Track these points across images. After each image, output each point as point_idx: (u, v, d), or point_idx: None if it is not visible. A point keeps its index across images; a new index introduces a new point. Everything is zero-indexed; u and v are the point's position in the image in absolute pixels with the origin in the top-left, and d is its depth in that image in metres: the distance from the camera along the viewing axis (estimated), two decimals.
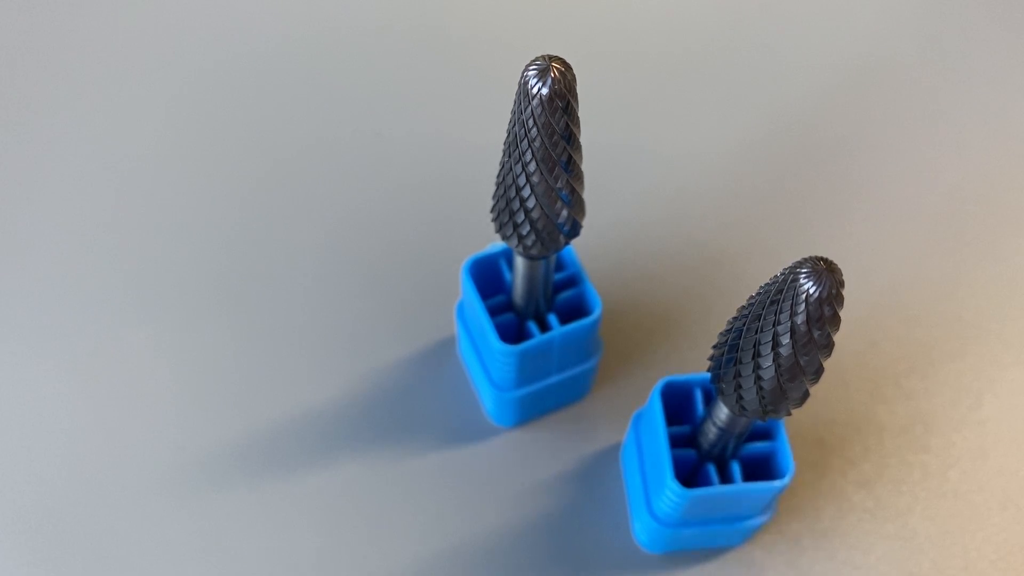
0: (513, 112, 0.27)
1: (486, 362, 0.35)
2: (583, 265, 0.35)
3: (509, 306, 0.35)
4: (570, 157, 0.27)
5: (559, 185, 0.28)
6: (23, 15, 0.45)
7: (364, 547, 0.35)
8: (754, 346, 0.26)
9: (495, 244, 0.35)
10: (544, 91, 0.25)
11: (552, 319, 0.34)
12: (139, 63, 0.44)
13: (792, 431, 0.36)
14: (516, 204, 0.28)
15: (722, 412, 0.30)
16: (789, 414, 0.28)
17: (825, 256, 0.25)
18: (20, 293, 0.39)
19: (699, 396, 0.33)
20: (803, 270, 0.24)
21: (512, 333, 0.34)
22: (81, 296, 0.39)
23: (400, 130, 0.43)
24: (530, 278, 0.32)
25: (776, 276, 0.25)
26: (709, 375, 0.29)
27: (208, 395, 0.37)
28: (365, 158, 0.42)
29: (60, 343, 0.38)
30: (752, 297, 0.26)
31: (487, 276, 0.35)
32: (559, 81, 0.25)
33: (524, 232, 0.29)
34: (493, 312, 0.34)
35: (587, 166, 0.29)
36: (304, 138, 0.43)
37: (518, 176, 0.28)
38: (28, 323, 0.38)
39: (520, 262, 0.32)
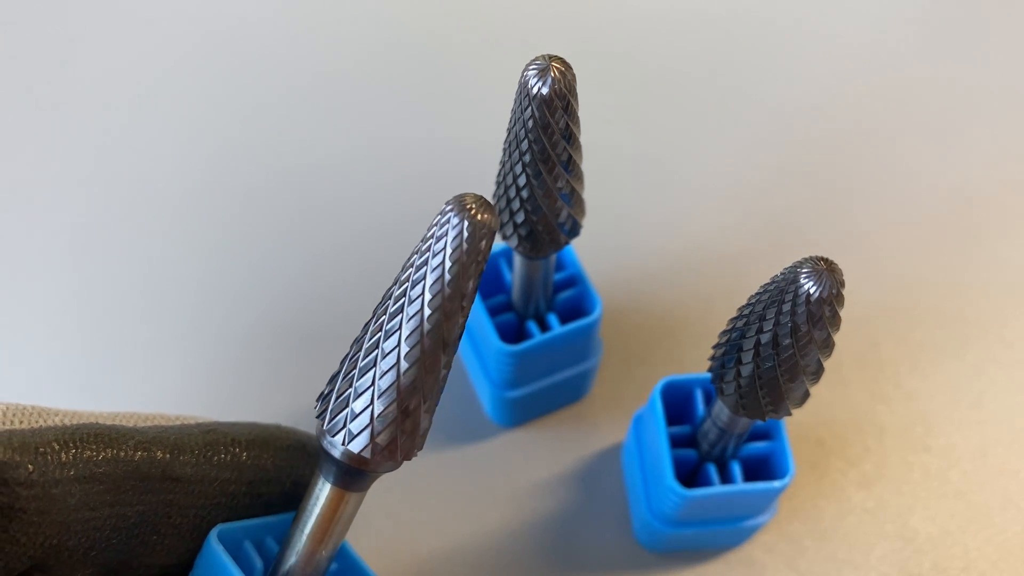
0: (513, 112, 0.27)
1: (486, 362, 0.35)
2: (583, 265, 0.35)
3: (509, 306, 0.35)
4: (570, 157, 0.27)
5: (559, 185, 0.28)
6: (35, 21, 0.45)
7: (362, 547, 0.35)
8: (755, 346, 0.26)
9: (495, 244, 0.35)
10: (544, 91, 0.25)
11: (552, 319, 0.34)
12: (129, 64, 0.44)
13: (792, 431, 0.36)
14: (516, 204, 0.28)
15: (723, 412, 0.30)
16: (790, 414, 0.28)
17: (826, 256, 0.25)
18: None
19: (699, 396, 0.33)
20: (804, 270, 0.24)
21: (512, 333, 0.34)
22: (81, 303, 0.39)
23: (400, 130, 0.43)
24: (530, 278, 0.32)
25: (777, 276, 0.25)
26: (709, 375, 0.29)
27: (207, 396, 0.37)
28: (364, 158, 0.42)
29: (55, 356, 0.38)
30: (752, 297, 0.26)
31: (487, 276, 0.35)
32: (559, 81, 0.25)
33: (524, 232, 0.29)
34: (493, 312, 0.34)
35: (587, 166, 0.29)
36: (302, 139, 0.42)
37: (518, 176, 0.28)
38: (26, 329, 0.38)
39: (520, 262, 0.32)
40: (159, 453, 0.25)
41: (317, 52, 0.45)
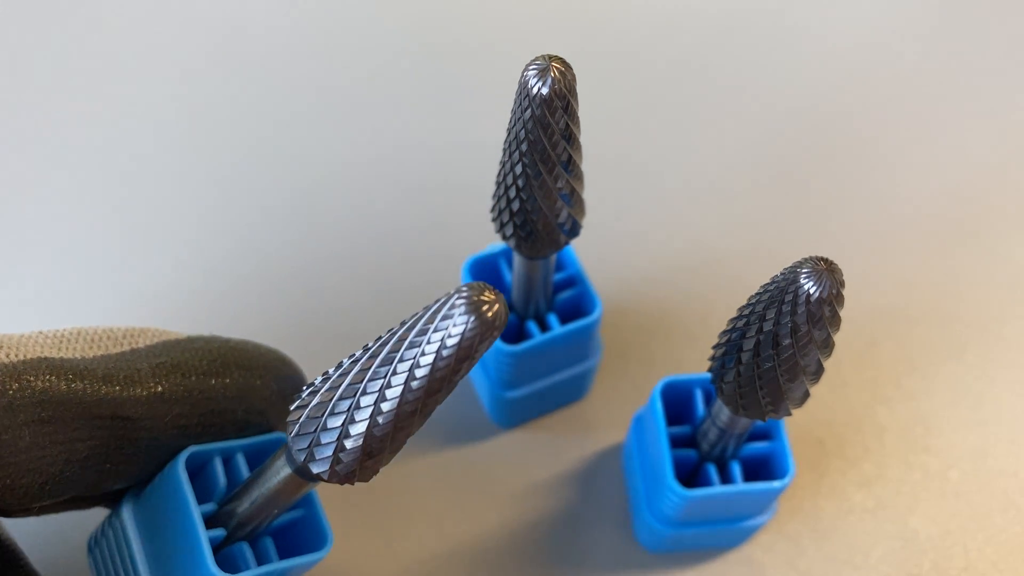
0: (513, 112, 0.27)
1: (486, 362, 0.35)
2: (583, 265, 0.35)
3: (509, 306, 0.34)
4: (570, 157, 0.27)
5: (559, 185, 0.28)
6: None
7: (362, 547, 0.35)
8: (755, 346, 0.26)
9: (495, 244, 0.35)
10: (544, 91, 0.25)
11: (552, 319, 0.34)
12: (132, 59, 0.44)
13: (792, 431, 0.36)
14: (516, 204, 0.28)
15: (723, 412, 0.30)
16: (789, 414, 0.28)
17: (825, 256, 0.24)
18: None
19: (699, 396, 0.33)
20: (803, 270, 0.24)
21: (512, 333, 0.34)
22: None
23: (399, 130, 0.43)
24: (530, 278, 0.32)
25: (777, 276, 0.25)
26: (709, 375, 0.29)
27: None
28: (363, 158, 0.42)
29: None
30: (753, 297, 0.26)
31: (487, 276, 0.35)
32: (559, 81, 0.25)
33: (524, 232, 0.29)
34: None
35: (587, 166, 0.29)
36: (301, 138, 0.42)
37: (518, 176, 0.28)
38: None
39: (520, 262, 0.32)
40: (109, 391, 0.25)
41: (315, 51, 0.44)
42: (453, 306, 0.21)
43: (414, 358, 0.21)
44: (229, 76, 0.44)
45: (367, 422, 0.22)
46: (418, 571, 0.35)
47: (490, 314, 0.20)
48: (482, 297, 0.20)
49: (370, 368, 0.22)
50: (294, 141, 0.42)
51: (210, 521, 0.27)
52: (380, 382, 0.22)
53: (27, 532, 0.30)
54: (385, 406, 0.22)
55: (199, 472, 0.28)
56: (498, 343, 0.33)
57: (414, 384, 0.21)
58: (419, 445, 0.36)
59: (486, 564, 0.35)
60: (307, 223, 0.41)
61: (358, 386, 0.22)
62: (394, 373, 0.22)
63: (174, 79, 0.44)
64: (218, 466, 0.28)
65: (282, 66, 0.44)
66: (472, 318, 0.20)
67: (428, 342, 0.21)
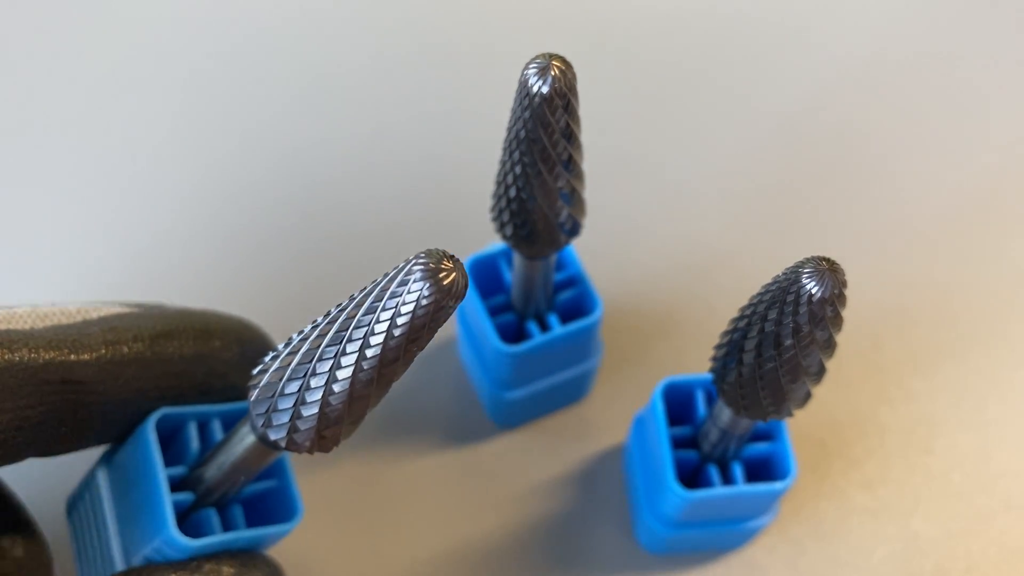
0: (513, 111, 0.26)
1: (486, 362, 0.35)
2: (583, 265, 0.35)
3: (509, 306, 0.34)
4: (571, 156, 0.27)
5: (559, 184, 0.28)
6: None
7: (361, 548, 0.35)
8: (756, 346, 0.26)
9: (495, 244, 0.35)
10: (544, 89, 0.25)
11: (552, 319, 0.34)
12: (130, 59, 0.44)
13: (794, 432, 0.36)
14: (516, 204, 0.28)
15: (724, 413, 0.30)
16: (791, 415, 0.28)
17: (828, 256, 0.24)
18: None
19: (701, 397, 0.33)
20: (805, 270, 0.24)
21: (512, 333, 0.34)
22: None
23: (399, 129, 0.43)
24: (530, 278, 0.32)
25: (778, 276, 0.25)
26: (711, 376, 0.29)
27: None
28: (363, 158, 0.42)
29: None
30: (754, 297, 0.26)
31: (487, 276, 0.35)
32: (559, 79, 0.25)
33: (524, 232, 0.29)
34: (493, 312, 0.34)
35: (587, 166, 0.29)
36: (300, 138, 0.42)
37: (518, 176, 0.28)
38: None
39: (520, 262, 0.32)
40: (57, 356, 0.25)
41: (315, 50, 0.44)
42: (409, 272, 0.20)
43: (369, 324, 0.21)
44: (225, 64, 0.44)
45: (323, 389, 0.22)
46: (418, 572, 0.35)
47: (446, 281, 0.20)
48: (440, 264, 0.20)
49: (328, 334, 0.22)
50: (293, 140, 0.42)
51: (180, 485, 0.27)
52: (336, 348, 0.21)
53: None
54: (340, 374, 0.21)
55: (174, 435, 0.28)
56: (498, 343, 0.33)
57: (369, 352, 0.21)
58: (419, 445, 0.36)
59: (486, 565, 0.35)
60: (305, 221, 0.41)
61: (315, 351, 0.22)
62: (350, 340, 0.21)
63: (164, 59, 0.43)
64: (192, 430, 0.27)
65: (281, 59, 0.44)
66: (428, 284, 0.20)
67: (384, 308, 0.20)
